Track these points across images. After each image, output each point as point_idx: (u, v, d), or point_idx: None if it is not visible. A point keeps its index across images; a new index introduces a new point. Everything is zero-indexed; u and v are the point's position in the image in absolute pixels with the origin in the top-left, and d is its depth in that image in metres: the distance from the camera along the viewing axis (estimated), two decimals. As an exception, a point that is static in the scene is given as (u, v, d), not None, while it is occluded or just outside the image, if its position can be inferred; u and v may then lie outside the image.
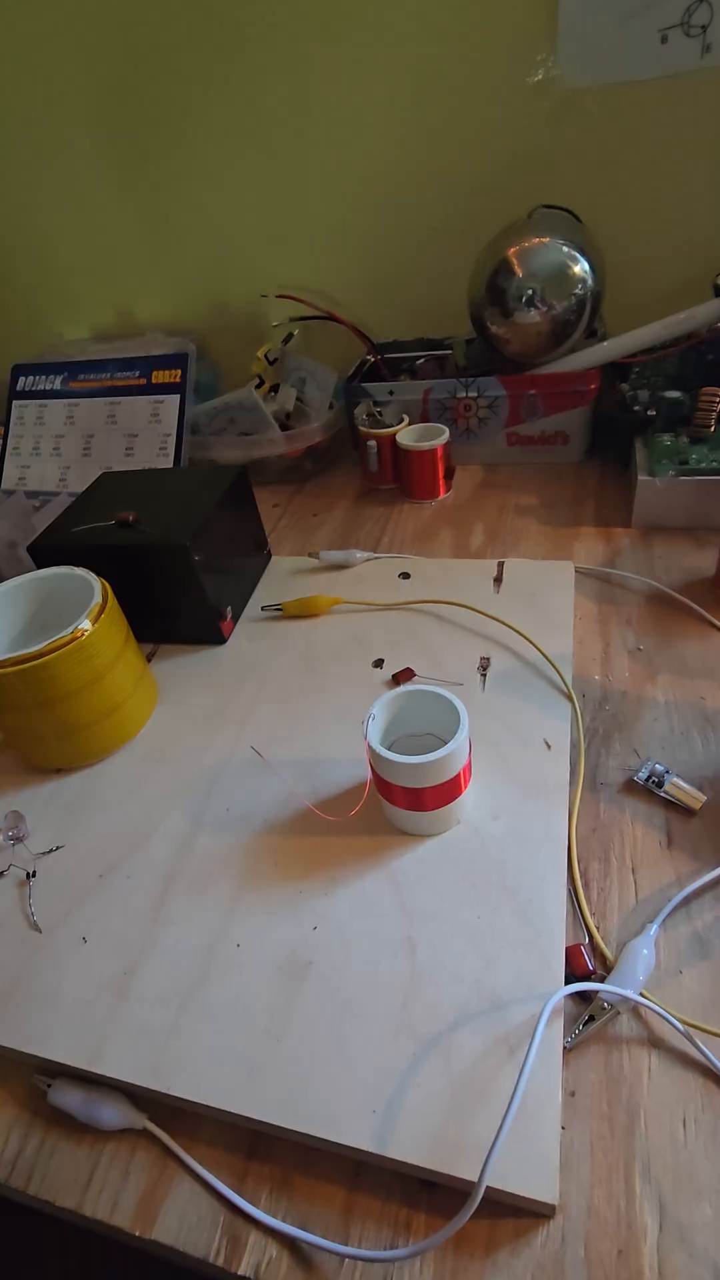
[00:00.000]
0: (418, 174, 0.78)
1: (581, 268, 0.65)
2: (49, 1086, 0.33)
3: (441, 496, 0.74)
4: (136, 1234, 0.29)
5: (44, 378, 0.84)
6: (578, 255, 0.65)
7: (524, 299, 0.67)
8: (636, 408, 0.69)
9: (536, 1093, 0.29)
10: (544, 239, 0.65)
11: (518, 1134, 0.28)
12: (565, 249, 0.65)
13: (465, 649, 0.51)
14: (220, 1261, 0.28)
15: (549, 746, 0.43)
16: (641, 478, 0.61)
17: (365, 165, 0.79)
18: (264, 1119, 0.30)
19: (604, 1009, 0.32)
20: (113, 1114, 0.32)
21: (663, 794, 0.41)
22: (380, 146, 0.77)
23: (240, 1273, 0.28)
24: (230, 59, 0.76)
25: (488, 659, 0.50)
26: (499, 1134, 0.26)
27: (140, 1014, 0.34)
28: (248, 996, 0.34)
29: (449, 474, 0.73)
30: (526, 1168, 0.27)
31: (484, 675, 0.49)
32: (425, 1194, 0.29)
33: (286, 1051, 0.31)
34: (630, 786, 0.42)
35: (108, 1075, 0.32)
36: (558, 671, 0.48)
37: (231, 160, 0.82)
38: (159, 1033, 0.33)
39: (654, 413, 0.66)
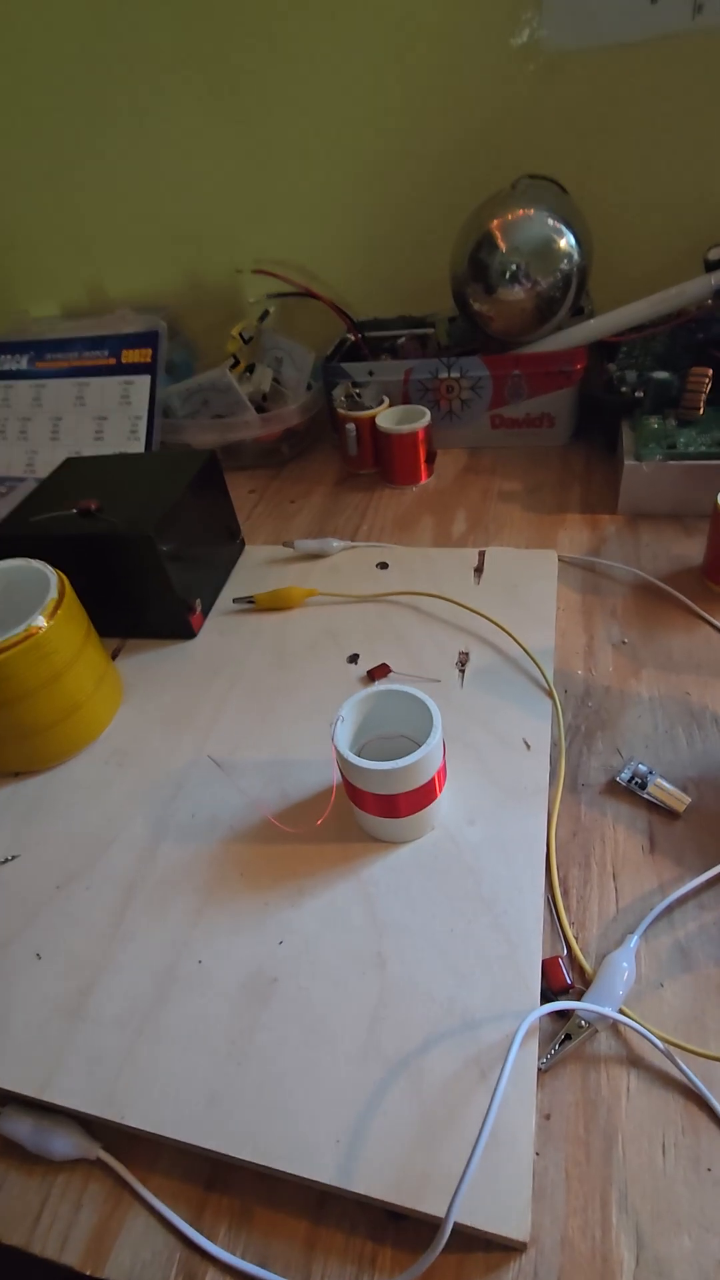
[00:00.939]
0: (398, 142, 0.74)
1: (567, 241, 0.63)
2: (-2, 1114, 0.32)
3: (423, 482, 0.71)
4: (87, 1273, 0.28)
5: (9, 357, 0.81)
6: (563, 229, 0.62)
7: (508, 275, 0.64)
8: (624, 389, 0.66)
9: (509, 1119, 0.27)
10: (528, 211, 0.62)
11: (489, 1164, 0.26)
12: (550, 222, 0.62)
13: (443, 643, 0.49)
14: (175, 1301, 0.27)
15: (528, 746, 0.41)
16: (628, 462, 0.59)
17: (344, 133, 0.75)
18: (223, 1151, 0.28)
19: (581, 1027, 0.30)
20: (65, 1144, 0.30)
21: (646, 795, 0.39)
22: (360, 113, 0.74)
23: (196, 1314, 0.27)
24: (202, 20, 0.72)
25: (466, 654, 0.48)
26: (467, 1169, 0.24)
27: (95, 1037, 0.32)
28: (209, 1018, 0.32)
29: (430, 458, 0.71)
30: (497, 1201, 0.26)
31: (462, 671, 0.47)
32: (392, 1226, 0.27)
33: (248, 1078, 0.30)
34: (613, 787, 0.41)
35: (59, 1103, 0.30)
36: (538, 667, 0.46)
37: (204, 126, 0.78)
38: (114, 1058, 0.31)
39: (641, 394, 0.63)
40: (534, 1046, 0.29)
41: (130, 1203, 0.29)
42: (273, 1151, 0.28)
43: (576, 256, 0.63)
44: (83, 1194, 0.30)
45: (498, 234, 0.63)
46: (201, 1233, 0.28)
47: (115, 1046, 0.32)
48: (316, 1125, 0.28)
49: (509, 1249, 0.26)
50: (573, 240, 0.63)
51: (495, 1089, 0.25)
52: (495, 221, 0.63)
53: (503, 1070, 0.26)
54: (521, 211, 0.63)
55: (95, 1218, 0.29)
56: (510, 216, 0.63)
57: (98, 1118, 0.30)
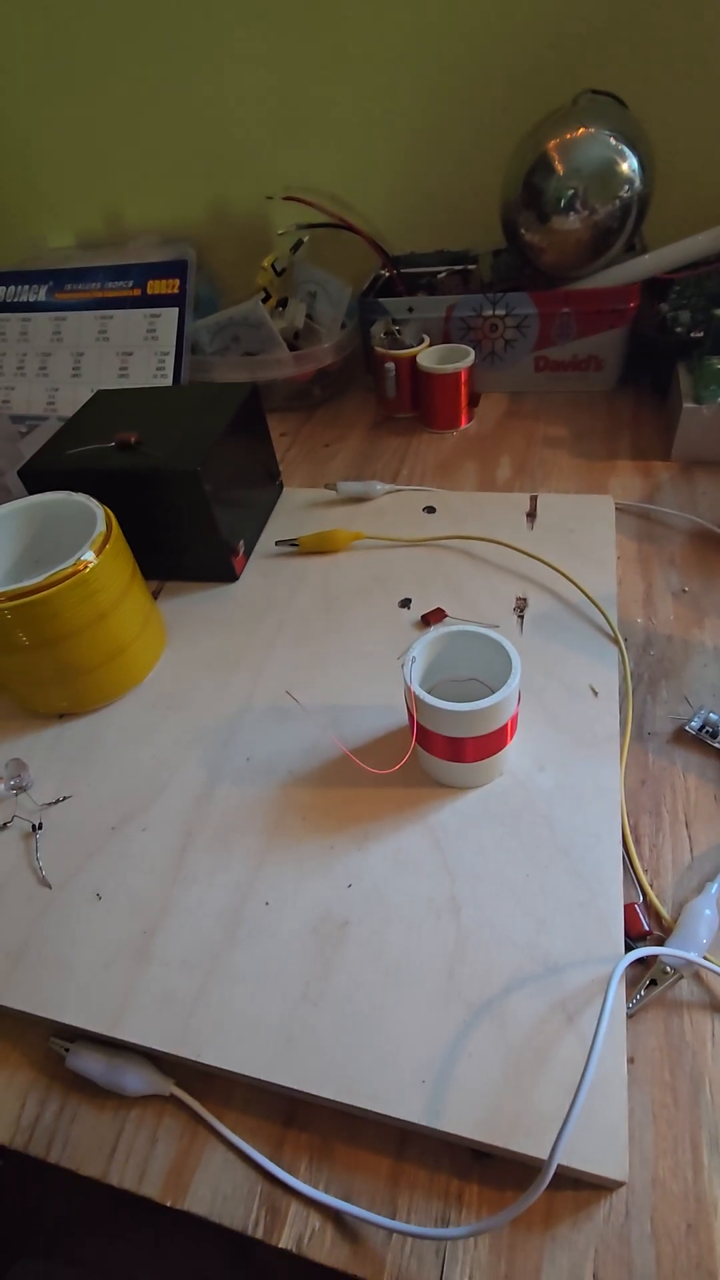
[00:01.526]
0: (447, 54, 0.69)
1: (630, 165, 0.59)
2: (67, 1051, 0.31)
3: (464, 426, 0.68)
4: (169, 1204, 0.28)
5: (27, 287, 0.77)
6: (626, 150, 0.58)
7: (563, 201, 0.60)
8: (678, 329, 0.63)
9: (601, 1064, 0.27)
10: (590, 129, 0.58)
11: (582, 1107, 0.26)
12: (613, 142, 0.58)
13: (499, 588, 0.48)
14: (259, 1234, 0.27)
15: (595, 694, 0.40)
16: (687, 405, 0.56)
17: (386, 45, 0.70)
18: (306, 1090, 0.28)
19: (666, 973, 0.30)
20: (137, 1080, 0.30)
21: (717, 745, 0.38)
22: (404, 22, 0.68)
23: (282, 1245, 0.26)
24: None
25: (524, 599, 0.47)
26: (570, 1112, 0.24)
27: (163, 977, 0.31)
28: (281, 959, 0.31)
29: (473, 401, 0.68)
30: (593, 1143, 0.25)
31: (521, 617, 0.45)
32: (477, 1165, 0.27)
33: (326, 1019, 0.29)
34: (680, 736, 0.40)
35: (131, 1040, 0.30)
36: (602, 613, 0.44)
37: (234, 38, 0.73)
38: (185, 997, 0.31)
39: (700, 334, 0.60)
40: (623, 991, 0.29)
41: (207, 1138, 0.29)
42: (358, 1091, 0.27)
43: (639, 183, 0.59)
44: (158, 1129, 0.30)
45: (555, 156, 0.59)
46: (282, 1167, 0.28)
47: (186, 986, 0.31)
48: (400, 1066, 0.28)
49: (599, 1188, 0.26)
50: (636, 164, 0.59)
51: (595, 1033, 0.25)
52: (553, 142, 0.59)
53: (601, 1014, 0.25)
54: (582, 130, 0.58)
55: (172, 1152, 0.29)
56: (569, 136, 0.59)
57: (172, 1055, 0.29)
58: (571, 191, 0.59)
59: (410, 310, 0.69)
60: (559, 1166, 0.25)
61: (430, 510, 0.56)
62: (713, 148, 0.68)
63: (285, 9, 0.70)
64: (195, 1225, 0.28)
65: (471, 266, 0.74)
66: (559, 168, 0.59)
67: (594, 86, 0.62)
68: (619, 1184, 0.25)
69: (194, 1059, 0.29)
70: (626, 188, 0.59)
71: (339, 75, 0.73)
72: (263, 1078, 0.28)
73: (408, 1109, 0.27)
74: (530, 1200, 0.24)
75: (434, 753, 0.35)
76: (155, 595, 0.53)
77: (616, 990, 0.26)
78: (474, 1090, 0.27)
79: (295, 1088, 0.28)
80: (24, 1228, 0.58)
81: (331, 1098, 0.27)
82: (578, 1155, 0.25)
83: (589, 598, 0.45)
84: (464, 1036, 0.28)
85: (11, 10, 0.76)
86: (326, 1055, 0.28)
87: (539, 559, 0.48)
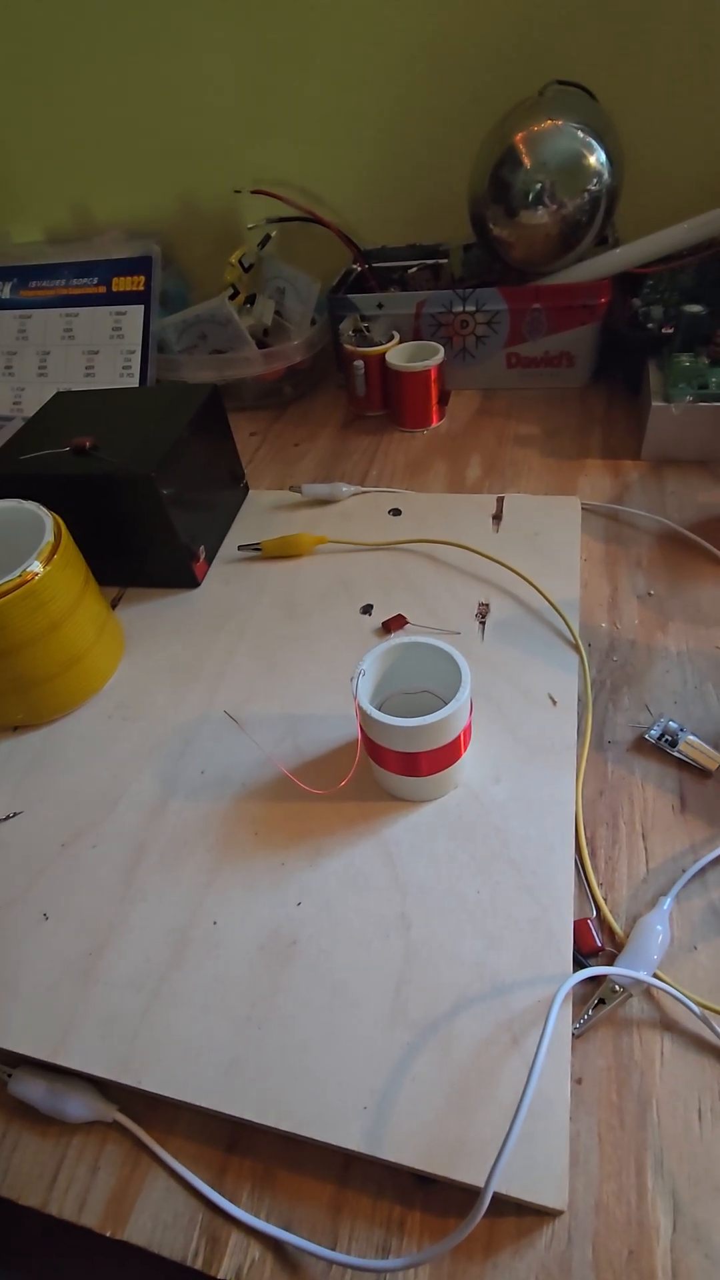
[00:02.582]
0: (415, 43, 0.67)
1: (598, 158, 0.58)
2: (9, 1076, 0.30)
3: (434, 425, 0.67)
4: (107, 1234, 0.27)
5: (-10, 284, 0.75)
6: (594, 143, 0.57)
7: (531, 195, 0.59)
8: (650, 325, 0.62)
9: (544, 1086, 0.26)
10: (557, 121, 0.57)
11: (525, 1131, 0.25)
12: (581, 135, 0.57)
13: (462, 594, 0.47)
14: (198, 1264, 0.26)
15: (554, 702, 0.39)
16: (655, 404, 0.55)
17: (355, 34, 0.68)
18: (246, 1117, 0.27)
19: (615, 992, 0.29)
20: (80, 1106, 0.29)
21: (676, 754, 0.38)
22: (372, 10, 0.67)
23: (220, 1276, 0.26)
24: None
25: (487, 605, 0.46)
26: (508, 1138, 0.23)
27: (109, 999, 0.31)
28: (227, 980, 0.31)
29: (443, 399, 0.67)
30: (533, 1169, 0.25)
31: (482, 623, 0.45)
32: (420, 1191, 0.27)
33: (270, 1042, 0.29)
34: (641, 745, 0.39)
35: (73, 1067, 0.29)
36: (563, 619, 0.44)
37: (201, 29, 0.71)
38: (129, 1021, 0.30)
39: (670, 330, 0.60)
40: (568, 1011, 0.28)
41: (149, 1165, 0.29)
42: (299, 1117, 0.27)
43: (607, 176, 0.58)
44: (100, 1156, 0.29)
45: (522, 148, 0.58)
46: (224, 1195, 0.27)
47: (130, 1009, 0.30)
48: (343, 1091, 0.27)
49: (541, 1214, 0.26)
50: (604, 157, 0.58)
51: (535, 1058, 0.24)
52: (520, 134, 0.58)
53: (542, 1038, 0.25)
54: (549, 122, 0.57)
55: (114, 1180, 0.28)
56: (536, 128, 0.58)
57: (114, 1082, 0.29)
58: (539, 185, 0.58)
59: (380, 306, 0.68)
60: (500, 1194, 0.25)
61: (396, 513, 0.55)
62: (683, 139, 0.67)
63: (248, 2, 0.68)
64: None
65: (443, 261, 0.73)
66: (526, 161, 0.58)
67: (562, 77, 0.61)
68: (558, 1212, 0.25)
69: (136, 1085, 0.28)
70: (595, 181, 0.58)
71: (307, 67, 0.71)
72: (204, 1105, 0.28)
73: (349, 1136, 0.26)
74: (465, 1233, 0.23)
75: (386, 767, 0.35)
76: (116, 602, 0.52)
77: (559, 1012, 0.26)
78: (416, 1116, 0.26)
79: (235, 1115, 0.27)
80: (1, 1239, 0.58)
81: (273, 1125, 0.27)
82: (517, 1183, 0.24)
83: (551, 603, 0.45)
84: (408, 1059, 0.28)
85: (-30, -2, 0.74)
86: (269, 1080, 0.28)
87: (502, 563, 0.48)
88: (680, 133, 0.67)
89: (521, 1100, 0.24)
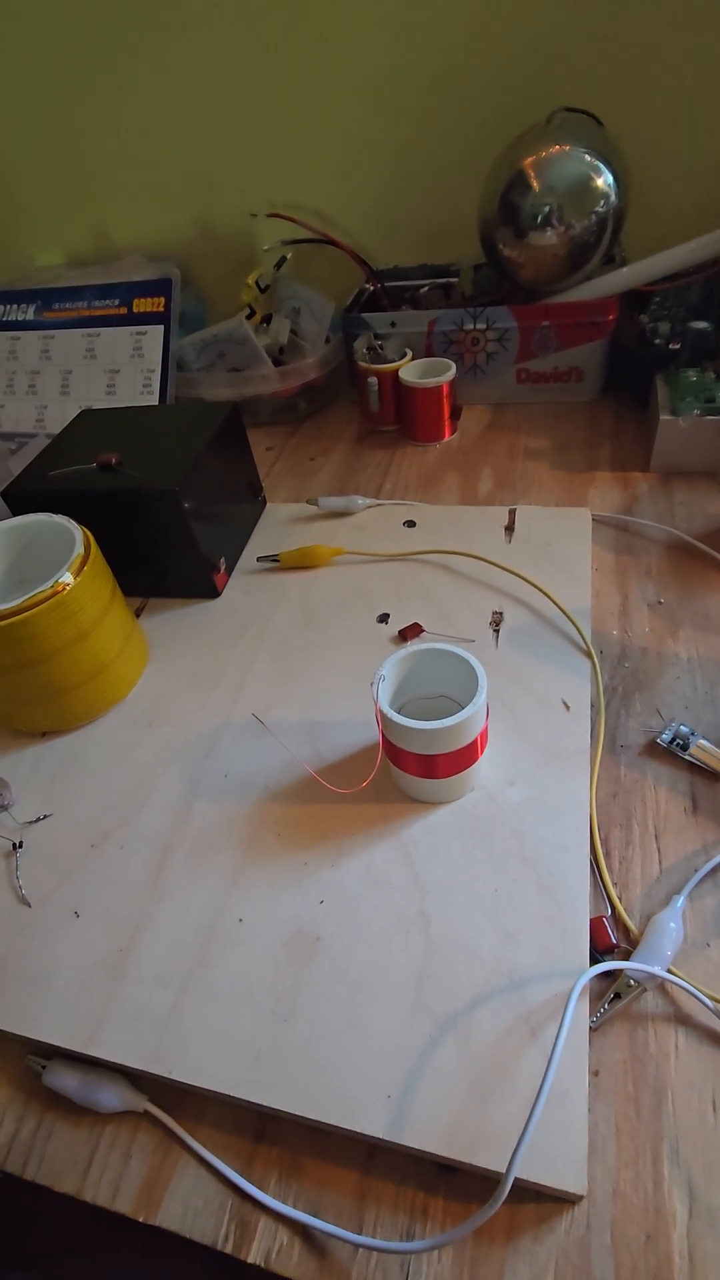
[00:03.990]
0: (426, 74, 0.70)
1: (605, 181, 0.59)
2: (44, 1068, 0.32)
3: (447, 439, 0.69)
4: (140, 1219, 0.28)
5: (15, 306, 0.78)
6: (601, 166, 0.59)
7: (540, 218, 0.61)
8: (657, 340, 0.64)
9: (562, 1077, 0.27)
10: (564, 147, 0.59)
11: (543, 1121, 0.26)
12: (588, 159, 0.59)
13: (476, 603, 0.48)
14: (229, 1248, 0.27)
15: (567, 707, 0.41)
16: (663, 417, 0.57)
17: (367, 65, 0.71)
18: (273, 1105, 0.28)
19: (630, 986, 0.30)
20: (112, 1096, 0.30)
21: (687, 757, 0.39)
22: (384, 43, 0.69)
23: (250, 1260, 0.27)
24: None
25: (500, 614, 0.47)
26: (527, 1126, 0.24)
27: (138, 994, 0.32)
28: (252, 975, 0.32)
29: (455, 414, 0.69)
30: (552, 1156, 0.26)
31: (496, 631, 0.46)
32: (443, 1178, 0.28)
33: (295, 1034, 0.30)
34: (652, 749, 0.40)
35: (105, 1058, 0.30)
36: (576, 627, 0.45)
37: (216, 59, 0.74)
38: (159, 1014, 0.31)
39: (678, 345, 0.61)
40: (585, 1005, 0.29)
41: (180, 1153, 0.30)
42: (324, 1106, 0.28)
43: (614, 198, 0.60)
44: (131, 1145, 0.30)
45: (531, 173, 0.60)
46: (252, 1182, 0.28)
47: (160, 1003, 0.31)
48: (367, 1081, 0.28)
49: (560, 1200, 0.26)
50: (610, 179, 0.60)
51: (553, 1048, 0.25)
52: (529, 159, 0.60)
53: (560, 1029, 0.26)
54: (557, 147, 0.59)
55: (145, 1167, 0.29)
56: (544, 153, 0.60)
57: (145, 1072, 0.30)
58: (547, 207, 0.60)
59: (392, 325, 0.70)
60: (521, 1179, 0.26)
61: (410, 524, 0.56)
62: (687, 161, 0.69)
63: (268, 30, 0.71)
64: (183, 1243, 0.28)
65: (454, 280, 0.75)
66: (535, 184, 0.60)
67: (569, 104, 0.63)
68: (578, 1197, 0.25)
69: (166, 1076, 0.30)
70: (602, 203, 0.60)
71: (321, 95, 0.74)
72: (232, 1094, 0.29)
73: (373, 1124, 0.27)
74: (487, 1215, 0.24)
75: (405, 769, 0.36)
76: (139, 612, 0.53)
77: (576, 1005, 0.27)
78: (438, 1105, 0.27)
79: (263, 1103, 0.28)
80: (16, 1240, 0.59)
81: (299, 1113, 0.28)
82: (537, 1169, 0.25)
83: (563, 611, 0.46)
84: (430, 1051, 0.29)
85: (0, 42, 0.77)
86: (295, 1071, 0.29)
87: (515, 573, 0.49)
88: (684, 155, 0.69)
89: (540, 1089, 0.25)
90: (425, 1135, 0.27)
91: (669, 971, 0.30)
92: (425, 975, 0.31)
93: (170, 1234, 0.28)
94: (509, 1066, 0.28)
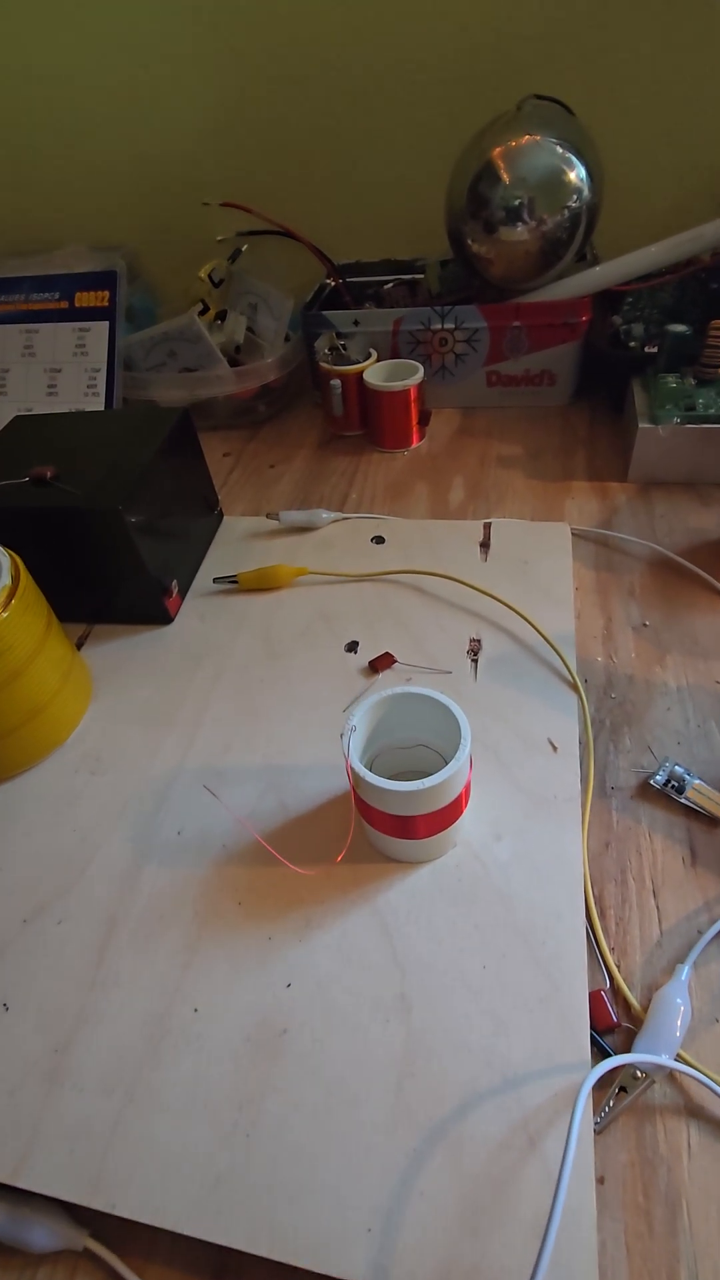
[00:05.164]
0: (391, 57, 0.66)
1: (578, 174, 0.56)
2: (-35, 1199, 0.27)
3: (415, 445, 0.65)
4: None
5: (-56, 299, 0.71)
6: (573, 159, 0.56)
7: (510, 211, 0.57)
8: (632, 343, 0.61)
9: (567, 1196, 0.24)
10: (535, 137, 0.56)
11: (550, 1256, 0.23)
12: (560, 150, 0.56)
13: (452, 628, 0.45)
14: None
15: (555, 748, 0.37)
16: (642, 425, 0.54)
17: (328, 44, 0.66)
18: (236, 1246, 0.24)
19: (636, 1079, 0.27)
20: (45, 1234, 0.26)
21: (684, 801, 0.36)
22: (342, 24, 0.65)
23: None
24: None
25: (478, 640, 0.44)
26: (538, 1268, 0.21)
27: (77, 1106, 0.28)
28: (210, 1079, 0.28)
29: (423, 419, 0.65)
30: (559, 1299, 0.22)
31: (475, 660, 0.43)
32: (433, 1319, 0.24)
33: (259, 1153, 0.26)
34: (645, 791, 0.37)
35: (37, 1189, 0.26)
36: (560, 656, 0.42)
37: (161, 32, 0.69)
38: (101, 1131, 0.27)
39: (655, 349, 0.58)
40: (590, 1108, 0.26)
41: (126, 1300, 0.25)
42: (294, 1245, 0.24)
43: (587, 192, 0.57)
44: (69, 1291, 0.26)
45: (500, 164, 0.56)
46: (212, 1335, 0.24)
47: (102, 1117, 0.27)
48: (344, 1210, 0.24)
49: (568, 1342, 0.23)
50: (583, 173, 0.56)
51: (560, 1173, 0.22)
52: (498, 149, 0.56)
53: (567, 1146, 0.22)
54: (527, 137, 0.56)
55: (85, 1320, 0.25)
56: (515, 143, 0.56)
57: (84, 1206, 0.26)
58: (518, 201, 0.57)
59: (356, 324, 0.66)
60: (523, 1328, 0.22)
61: (379, 540, 0.53)
62: (660, 156, 0.67)
63: (223, 10, 0.66)
64: None
65: (419, 277, 0.71)
66: (505, 176, 0.56)
67: (539, 92, 0.59)
68: (590, 1348, 0.22)
69: (108, 1210, 0.25)
70: (575, 197, 0.57)
71: (278, 77, 0.69)
72: (184, 1231, 0.24)
73: (351, 1267, 0.23)
74: None
75: (381, 829, 0.32)
76: (82, 641, 0.48)
77: (583, 1113, 0.23)
78: (427, 1239, 0.24)
79: (220, 1243, 0.24)
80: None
81: (265, 1255, 0.24)
82: (543, 1319, 0.22)
83: (546, 639, 0.43)
84: (414, 1170, 0.25)
85: None
86: (260, 1200, 0.25)
87: (493, 596, 0.46)
88: (658, 151, 0.66)
89: (550, 1222, 0.21)
90: (414, 1278, 0.23)
91: (679, 1057, 0.27)
92: (407, 1074, 0.27)
93: None
94: (507, 1187, 0.24)
